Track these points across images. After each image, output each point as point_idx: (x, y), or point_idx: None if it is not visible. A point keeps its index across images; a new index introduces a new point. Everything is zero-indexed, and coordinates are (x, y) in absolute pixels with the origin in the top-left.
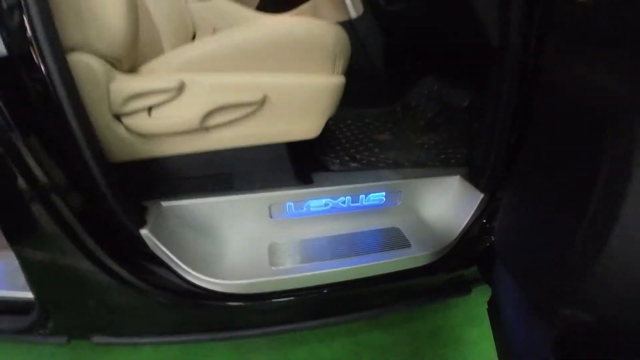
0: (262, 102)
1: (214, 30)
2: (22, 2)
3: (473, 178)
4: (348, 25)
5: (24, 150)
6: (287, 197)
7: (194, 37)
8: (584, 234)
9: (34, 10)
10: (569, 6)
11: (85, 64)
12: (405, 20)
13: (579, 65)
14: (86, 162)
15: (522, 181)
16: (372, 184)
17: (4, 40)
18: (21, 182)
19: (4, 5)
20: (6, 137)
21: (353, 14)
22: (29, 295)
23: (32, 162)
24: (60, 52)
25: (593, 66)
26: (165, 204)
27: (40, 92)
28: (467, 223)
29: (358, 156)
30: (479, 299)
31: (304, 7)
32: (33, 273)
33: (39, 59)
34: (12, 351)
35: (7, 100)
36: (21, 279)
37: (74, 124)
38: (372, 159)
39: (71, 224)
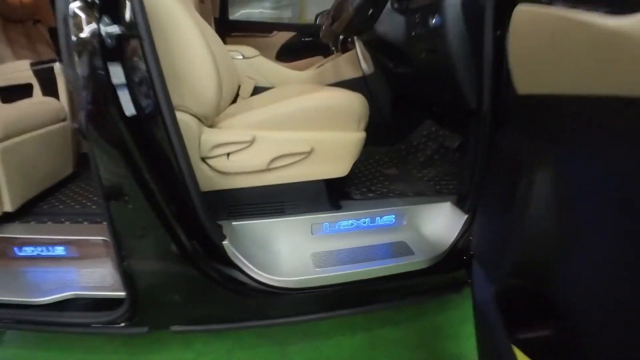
0: (310, 152)
1: (255, 82)
2: (149, 77)
3: (459, 203)
4: (362, 80)
5: (149, 178)
6: (323, 218)
7: (239, 88)
8: (510, 230)
9: (157, 83)
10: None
11: (185, 121)
12: (407, 79)
13: (512, 134)
14: (187, 190)
15: (487, 203)
16: (384, 209)
17: (135, 104)
18: (141, 202)
19: (136, 79)
20: (139, 170)
21: (366, 71)
22: (115, 293)
23: (153, 188)
24: (172, 112)
25: (516, 136)
26: (235, 223)
27: (159, 140)
28: (456, 236)
29: (373, 187)
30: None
31: (327, 65)
32: (132, 276)
33: (160, 117)
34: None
35: (138, 145)
36: (107, 281)
37: (182, 162)
38: (384, 190)
39: (177, 236)
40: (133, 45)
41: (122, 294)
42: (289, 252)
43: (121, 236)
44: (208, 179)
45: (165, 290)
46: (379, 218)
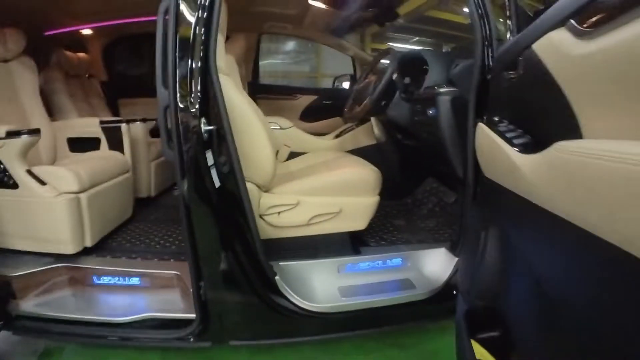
0: (339, 212)
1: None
2: (230, 159)
3: (452, 249)
4: (376, 147)
5: (227, 229)
6: (347, 261)
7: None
8: (476, 268)
9: (235, 163)
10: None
11: (250, 189)
12: (411, 148)
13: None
14: (252, 239)
15: (464, 249)
16: (393, 254)
17: (219, 178)
18: (218, 246)
19: (221, 160)
20: (220, 223)
21: (379, 140)
22: (185, 315)
23: (229, 236)
24: (244, 183)
25: (482, 205)
26: (282, 263)
27: (235, 203)
28: (449, 275)
29: (385, 237)
30: None
31: (347, 135)
32: (205, 302)
33: (236, 187)
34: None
35: (221, 206)
36: (177, 306)
37: (249, 219)
38: (393, 238)
39: (244, 272)
40: (218, 136)
41: (191, 315)
42: (321, 285)
43: (200, 271)
44: (264, 231)
45: (230, 313)
46: (389, 260)
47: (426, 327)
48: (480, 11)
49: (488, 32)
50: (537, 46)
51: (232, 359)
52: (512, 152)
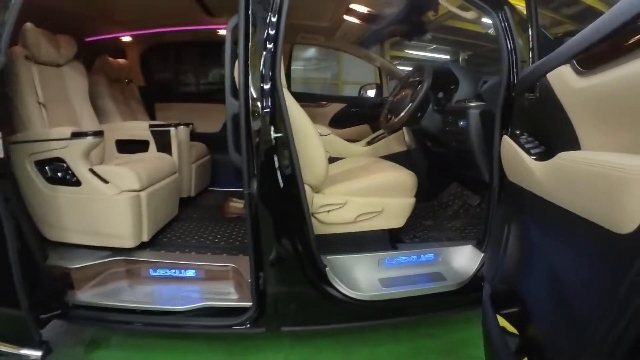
0: (381, 211)
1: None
2: (291, 162)
3: (478, 246)
4: (406, 153)
5: (287, 225)
6: (386, 255)
7: None
8: (500, 258)
9: (296, 166)
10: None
11: (307, 190)
12: (440, 155)
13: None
14: (308, 235)
15: (490, 243)
16: (426, 249)
17: (283, 180)
18: (278, 241)
19: (285, 163)
20: (282, 219)
21: (410, 147)
22: (240, 304)
23: (288, 231)
24: (303, 184)
25: (505, 204)
26: (330, 256)
27: (294, 202)
28: (476, 268)
29: (418, 234)
30: None
31: (380, 142)
32: (263, 291)
33: (296, 188)
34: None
35: (284, 204)
36: (232, 295)
37: (306, 216)
38: (425, 236)
39: (300, 265)
40: (282, 142)
41: (247, 304)
42: (364, 276)
43: (260, 263)
44: (315, 227)
45: (285, 301)
46: (422, 255)
47: (454, 319)
48: (506, 36)
49: (514, 54)
50: (550, 76)
51: (275, 347)
52: (529, 160)
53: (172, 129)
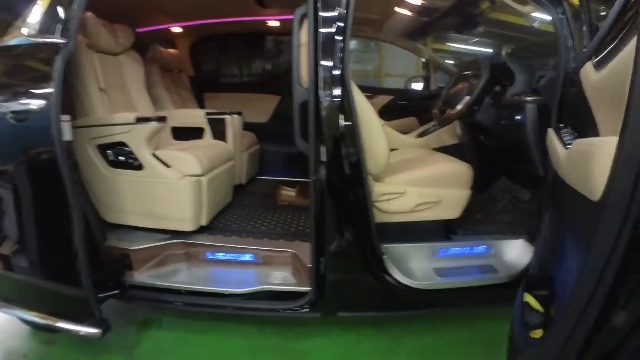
0: (439, 202)
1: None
2: (358, 152)
3: (530, 240)
4: (457, 146)
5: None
6: (440, 245)
7: None
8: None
9: (361, 155)
10: None
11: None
12: (492, 149)
13: None
14: (370, 222)
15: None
16: (478, 242)
17: (349, 168)
18: (340, 227)
19: (351, 151)
20: (346, 205)
21: (462, 140)
22: (298, 288)
23: (352, 218)
24: (367, 174)
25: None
26: (387, 245)
27: (358, 189)
28: (527, 262)
29: (470, 227)
30: None
31: (433, 134)
32: (323, 276)
33: (361, 176)
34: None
35: (349, 192)
36: (290, 280)
37: (369, 205)
38: (477, 229)
39: (360, 252)
40: (350, 130)
41: (305, 288)
42: (419, 265)
43: (321, 249)
44: (375, 216)
45: (343, 287)
46: (475, 247)
47: (495, 314)
48: (565, 31)
49: (570, 51)
50: (581, 71)
51: (324, 333)
52: (561, 149)
53: (227, 117)
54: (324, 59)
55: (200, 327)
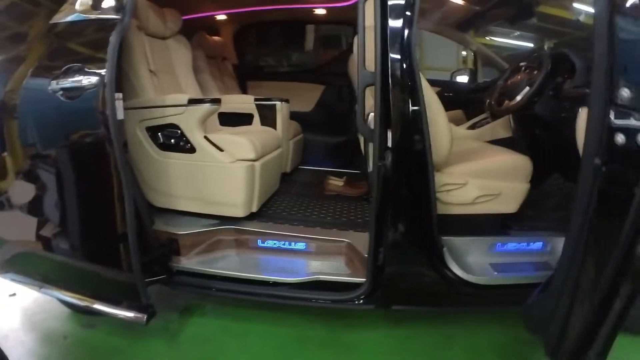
0: (498, 194)
1: None
2: (424, 141)
3: None
4: (510, 140)
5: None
6: (497, 240)
7: None
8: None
9: (427, 144)
10: None
11: None
12: (548, 142)
13: None
14: (432, 212)
15: None
16: (536, 237)
17: (414, 153)
18: (403, 219)
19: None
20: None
21: (516, 133)
22: (352, 279)
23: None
24: (432, 162)
25: None
26: (444, 237)
27: (423, 180)
28: None
29: (524, 222)
30: None
31: (486, 127)
32: (380, 267)
33: (424, 165)
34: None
35: (418, 181)
36: (343, 270)
37: (432, 193)
38: (532, 225)
39: (420, 244)
40: (417, 116)
41: (359, 279)
42: (476, 260)
43: (381, 239)
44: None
45: (400, 279)
46: (532, 243)
47: None
48: None
49: None
50: None
51: (372, 326)
52: None
53: (278, 103)
54: (392, 42)
55: (244, 316)
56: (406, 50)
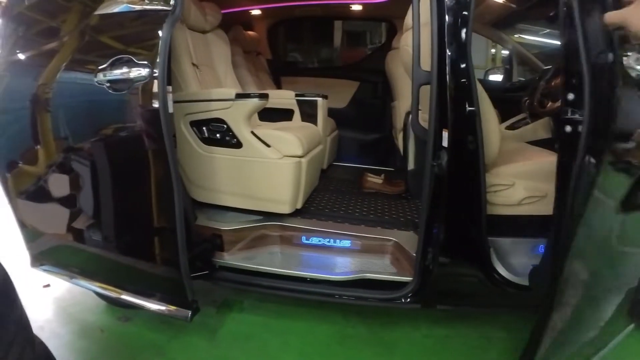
0: (545, 196)
1: None
2: (477, 143)
3: None
4: (552, 140)
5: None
6: (539, 242)
7: None
8: None
9: (480, 141)
10: None
11: None
12: None
13: None
14: (482, 212)
15: None
16: None
17: (467, 153)
18: (459, 220)
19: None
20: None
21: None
22: (399, 278)
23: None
24: (484, 162)
25: None
26: (490, 238)
27: (475, 182)
28: None
29: None
30: None
31: (528, 127)
32: (429, 267)
33: (477, 165)
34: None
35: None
36: (389, 269)
37: (483, 194)
38: None
39: (469, 244)
40: (472, 116)
41: (406, 278)
42: (519, 262)
43: (430, 238)
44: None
45: (447, 279)
46: None
47: None
48: None
49: None
50: None
51: (412, 324)
52: None
53: (319, 99)
54: (450, 40)
55: (283, 312)
56: (463, 49)
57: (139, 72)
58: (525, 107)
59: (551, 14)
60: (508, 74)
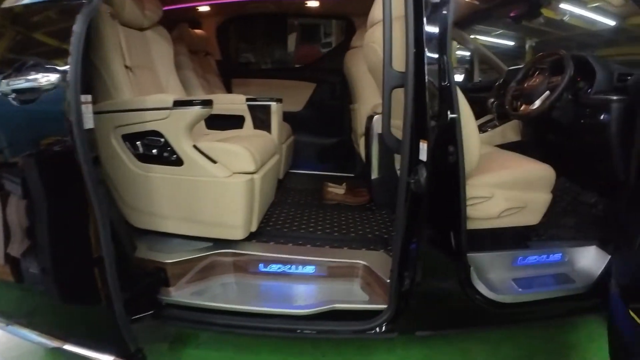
0: (524, 207)
1: None
2: (457, 153)
3: (603, 246)
4: (519, 143)
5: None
6: (518, 254)
7: None
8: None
9: (460, 153)
10: None
11: None
12: (559, 148)
13: None
14: (462, 228)
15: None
16: (554, 249)
17: (447, 165)
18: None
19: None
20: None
21: (525, 137)
22: (372, 306)
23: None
24: (464, 174)
25: None
26: (468, 254)
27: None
28: (602, 270)
29: (539, 232)
30: None
31: (497, 130)
32: (405, 293)
33: (456, 178)
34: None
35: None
36: (360, 296)
37: (463, 209)
38: (549, 236)
39: (447, 263)
40: (453, 125)
41: (380, 306)
42: (500, 276)
43: (406, 260)
44: None
45: (425, 302)
46: (551, 255)
47: (559, 323)
48: None
49: None
50: None
51: (387, 348)
52: None
53: (273, 104)
54: (428, 39)
55: (244, 345)
56: (443, 46)
57: (48, 78)
58: (492, 109)
59: (512, 14)
60: (469, 74)
